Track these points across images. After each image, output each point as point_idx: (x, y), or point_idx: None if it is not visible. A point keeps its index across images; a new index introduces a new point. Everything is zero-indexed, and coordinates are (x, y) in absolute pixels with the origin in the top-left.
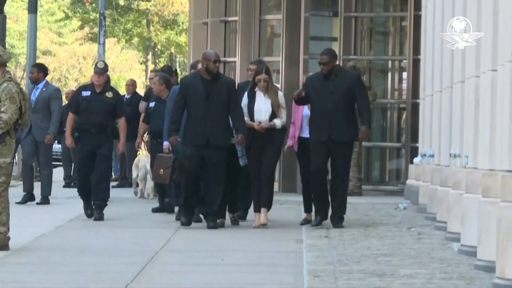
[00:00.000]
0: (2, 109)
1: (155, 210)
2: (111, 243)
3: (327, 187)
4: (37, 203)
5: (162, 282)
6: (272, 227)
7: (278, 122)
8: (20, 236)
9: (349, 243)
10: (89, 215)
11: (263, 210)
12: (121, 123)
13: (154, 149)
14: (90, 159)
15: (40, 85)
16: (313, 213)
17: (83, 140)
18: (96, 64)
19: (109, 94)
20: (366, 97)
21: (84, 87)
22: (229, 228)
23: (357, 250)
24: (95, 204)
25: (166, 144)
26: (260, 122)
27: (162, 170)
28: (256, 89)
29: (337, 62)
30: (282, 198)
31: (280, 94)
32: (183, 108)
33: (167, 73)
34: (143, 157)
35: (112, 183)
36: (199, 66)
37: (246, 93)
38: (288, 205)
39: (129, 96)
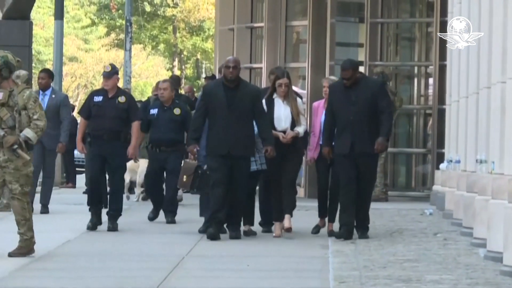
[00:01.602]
0: (35, 117)
1: (152, 218)
2: (136, 249)
3: (354, 201)
4: (41, 212)
5: (188, 287)
6: (297, 232)
7: (301, 130)
8: (46, 241)
9: (375, 248)
10: (91, 228)
11: (287, 216)
12: (134, 126)
13: (153, 158)
14: (102, 166)
15: (48, 92)
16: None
17: (95, 146)
18: (104, 68)
19: (121, 99)
20: (389, 107)
21: (96, 92)
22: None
23: (383, 256)
24: (108, 214)
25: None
26: (283, 132)
27: (185, 177)
28: (275, 96)
29: (361, 69)
30: (307, 204)
31: (299, 100)
32: (204, 116)
33: (175, 83)
34: (142, 161)
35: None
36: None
37: (263, 100)
38: (313, 211)
39: None
